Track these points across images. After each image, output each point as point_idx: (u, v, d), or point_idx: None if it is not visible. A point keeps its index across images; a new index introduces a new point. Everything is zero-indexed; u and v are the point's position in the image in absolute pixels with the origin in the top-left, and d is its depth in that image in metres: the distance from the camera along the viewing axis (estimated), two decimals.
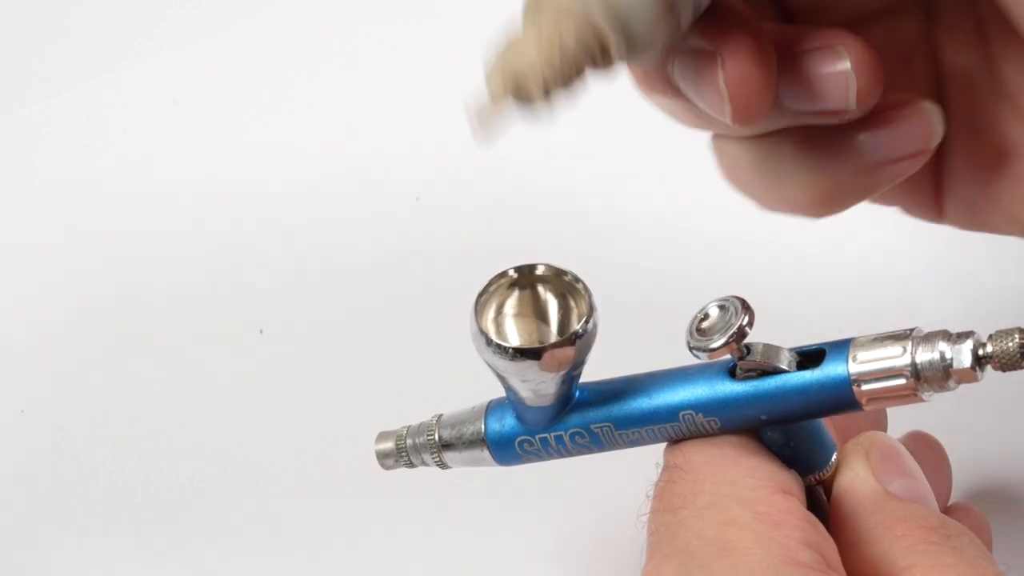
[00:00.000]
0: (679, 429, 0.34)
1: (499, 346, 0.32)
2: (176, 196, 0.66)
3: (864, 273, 0.55)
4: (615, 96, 0.63)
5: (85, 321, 0.64)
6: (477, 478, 0.47)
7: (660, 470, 0.34)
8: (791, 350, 0.33)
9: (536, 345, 0.32)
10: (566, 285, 0.33)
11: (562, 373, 0.33)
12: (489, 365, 0.33)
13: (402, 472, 0.56)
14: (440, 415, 0.39)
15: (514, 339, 0.32)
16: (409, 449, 0.39)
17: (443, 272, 0.60)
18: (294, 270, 0.62)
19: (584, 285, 0.33)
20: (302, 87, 0.68)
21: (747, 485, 0.31)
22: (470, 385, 0.58)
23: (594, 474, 0.49)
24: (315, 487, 0.56)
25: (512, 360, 0.32)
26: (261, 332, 0.61)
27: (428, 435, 0.38)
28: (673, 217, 0.58)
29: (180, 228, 0.65)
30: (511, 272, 0.34)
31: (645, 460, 0.37)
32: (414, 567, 0.53)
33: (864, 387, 0.31)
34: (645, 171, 0.60)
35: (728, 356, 0.32)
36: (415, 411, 0.57)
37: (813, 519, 0.32)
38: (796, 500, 0.32)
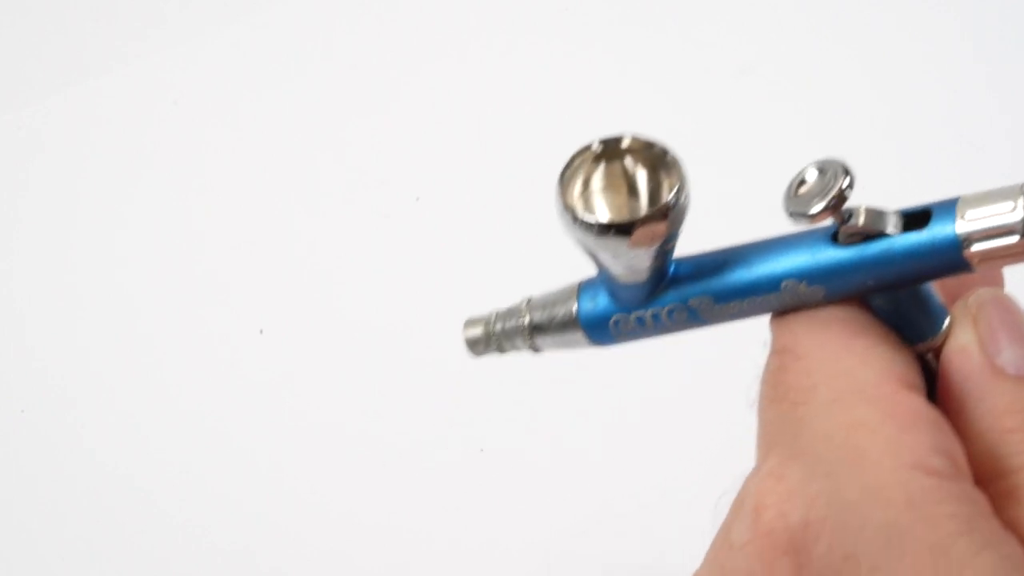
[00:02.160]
0: (782, 300, 0.32)
1: (586, 222, 0.30)
2: (176, 196, 0.66)
3: None
4: (617, 96, 0.64)
5: (85, 321, 0.64)
6: (492, 461, 0.47)
7: (768, 351, 0.31)
8: (896, 212, 0.30)
9: (626, 219, 0.30)
10: (656, 157, 0.31)
11: (655, 248, 0.30)
12: (577, 243, 0.31)
13: (404, 462, 0.56)
14: (530, 298, 0.36)
15: (603, 214, 0.30)
16: (499, 334, 0.36)
17: (443, 272, 0.60)
18: (294, 270, 0.62)
19: (674, 156, 0.30)
20: (302, 87, 0.68)
21: (868, 379, 0.28)
22: (472, 383, 0.58)
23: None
24: (315, 486, 0.56)
25: (600, 236, 0.30)
26: (261, 332, 0.61)
27: (519, 318, 0.36)
28: None
29: (180, 228, 0.65)
30: (595, 145, 0.31)
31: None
32: (416, 567, 0.53)
33: (974, 247, 0.29)
34: None
35: (830, 221, 0.30)
36: (415, 410, 0.57)
37: (941, 419, 0.28)
38: (922, 397, 0.28)
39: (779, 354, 0.30)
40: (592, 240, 0.30)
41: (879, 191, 0.60)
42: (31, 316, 0.65)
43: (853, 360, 0.29)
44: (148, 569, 0.56)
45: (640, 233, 0.30)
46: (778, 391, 0.30)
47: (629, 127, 0.66)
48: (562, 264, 0.57)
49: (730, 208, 0.58)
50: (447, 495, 0.54)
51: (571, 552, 0.51)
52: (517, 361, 0.57)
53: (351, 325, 0.60)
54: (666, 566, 0.50)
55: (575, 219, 0.30)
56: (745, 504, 0.28)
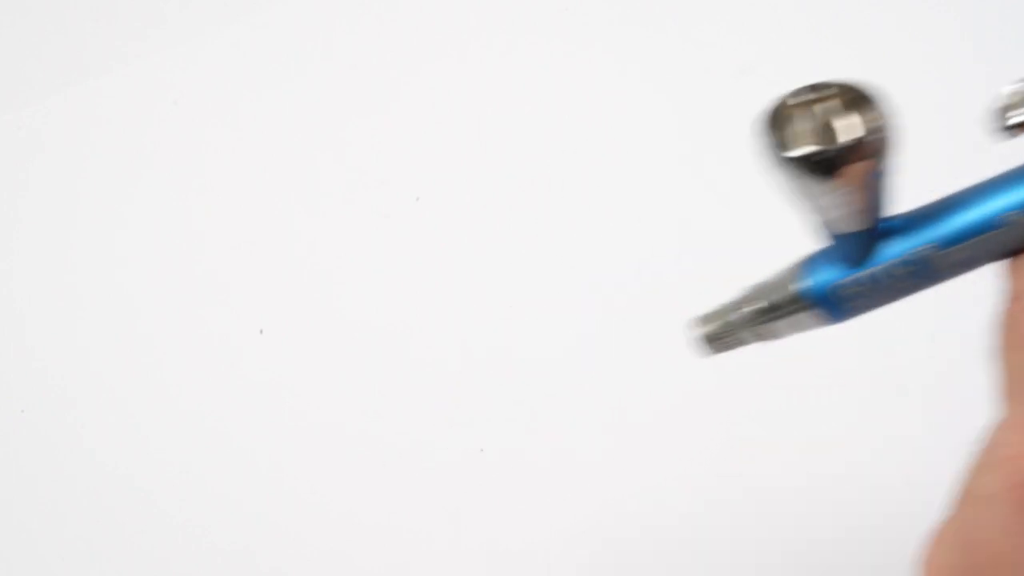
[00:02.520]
0: (1011, 236, 0.31)
1: (792, 159, 0.30)
2: (176, 196, 0.66)
3: None
4: (618, 96, 0.63)
5: (85, 321, 0.64)
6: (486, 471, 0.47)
7: (1004, 298, 0.30)
8: None
9: (833, 150, 0.29)
10: (859, 97, 0.31)
11: (866, 181, 0.30)
12: (787, 187, 0.31)
13: (404, 462, 0.56)
14: (752, 285, 0.36)
15: (809, 149, 0.30)
16: (735, 325, 0.36)
17: (443, 272, 0.60)
18: (294, 270, 0.62)
19: (876, 92, 0.30)
20: (302, 87, 0.68)
21: None
22: (472, 383, 0.58)
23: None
24: (315, 486, 0.56)
25: (808, 173, 0.30)
26: (261, 332, 0.61)
27: (749, 306, 0.35)
28: (674, 214, 0.58)
29: (180, 228, 0.65)
30: (797, 92, 0.31)
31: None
32: (416, 568, 0.53)
33: None
34: (650, 169, 0.60)
35: None
36: (415, 410, 0.57)
37: None
38: None
39: (1017, 299, 0.29)
40: (801, 180, 0.30)
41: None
42: (31, 316, 0.65)
43: None
44: (148, 569, 0.56)
45: (849, 170, 0.30)
46: (1017, 335, 0.29)
47: (630, 127, 0.66)
48: (561, 265, 0.57)
49: (730, 206, 0.58)
50: (447, 495, 0.54)
51: (571, 552, 0.51)
52: (516, 361, 0.57)
53: (351, 325, 0.60)
54: (667, 566, 0.50)
55: (781, 157, 0.30)
56: (992, 455, 0.27)
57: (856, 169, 0.30)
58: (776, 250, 0.57)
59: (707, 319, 0.37)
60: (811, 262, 0.34)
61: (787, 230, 0.59)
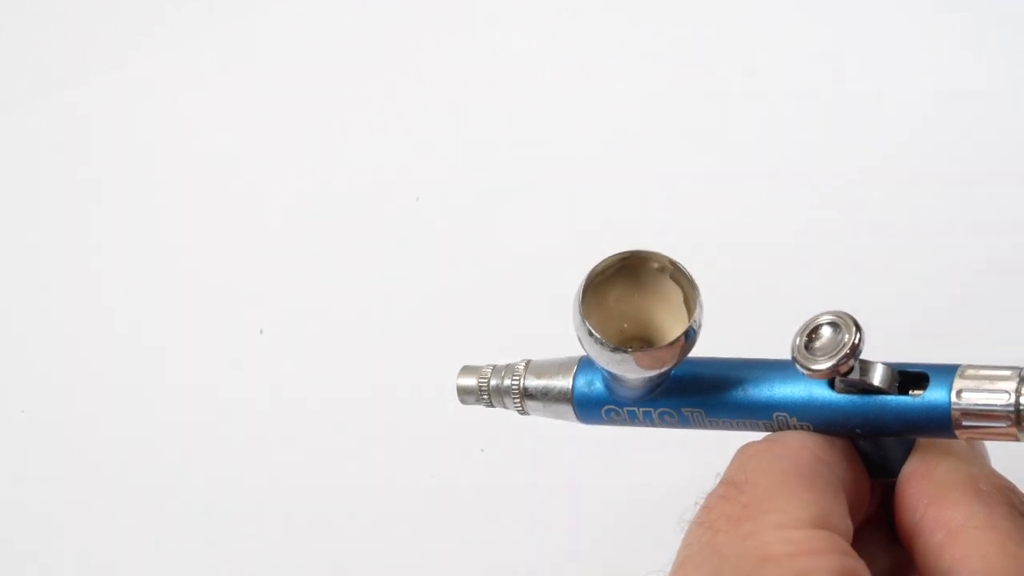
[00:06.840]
0: (770, 427, 0.34)
1: (599, 339, 0.31)
2: (176, 196, 0.66)
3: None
4: (617, 96, 0.63)
5: (84, 321, 0.64)
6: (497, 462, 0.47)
7: (718, 480, 0.33)
8: (893, 368, 0.32)
9: (637, 345, 0.32)
10: (677, 275, 0.33)
11: (660, 371, 0.32)
12: (585, 351, 0.32)
13: (407, 467, 0.56)
14: (528, 361, 0.37)
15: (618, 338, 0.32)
16: (491, 390, 0.38)
17: (442, 272, 0.60)
18: (294, 270, 0.62)
19: (693, 280, 0.32)
20: (302, 87, 0.68)
21: (799, 518, 0.30)
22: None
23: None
24: (315, 486, 0.56)
25: (613, 352, 0.31)
26: (261, 332, 0.61)
27: (514, 379, 0.37)
28: (675, 214, 0.58)
29: (180, 228, 0.65)
30: (618, 258, 0.33)
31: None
32: (415, 568, 0.53)
33: (964, 424, 0.31)
34: (651, 169, 0.60)
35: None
36: (416, 410, 0.57)
37: (861, 569, 0.30)
38: (839, 554, 0.29)
39: (725, 484, 0.32)
40: (603, 355, 0.32)
41: (881, 191, 0.60)
42: (31, 316, 0.65)
43: (794, 502, 0.31)
44: (148, 570, 0.56)
45: (647, 359, 0.31)
46: (709, 514, 0.31)
47: (631, 128, 0.65)
48: (561, 267, 0.57)
49: (732, 208, 0.58)
50: (447, 495, 0.54)
51: (573, 553, 0.51)
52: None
53: (351, 325, 0.60)
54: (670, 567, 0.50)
55: (590, 333, 0.31)
56: None
57: (660, 356, 0.31)
58: (780, 255, 0.57)
59: (468, 371, 0.38)
60: (590, 370, 0.36)
61: (786, 234, 0.59)
